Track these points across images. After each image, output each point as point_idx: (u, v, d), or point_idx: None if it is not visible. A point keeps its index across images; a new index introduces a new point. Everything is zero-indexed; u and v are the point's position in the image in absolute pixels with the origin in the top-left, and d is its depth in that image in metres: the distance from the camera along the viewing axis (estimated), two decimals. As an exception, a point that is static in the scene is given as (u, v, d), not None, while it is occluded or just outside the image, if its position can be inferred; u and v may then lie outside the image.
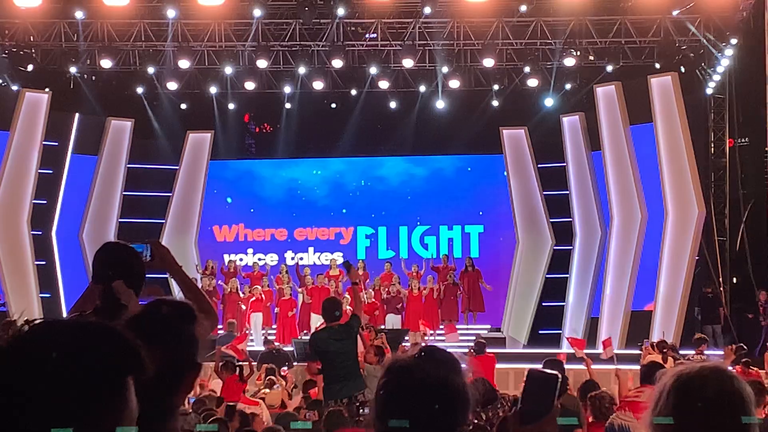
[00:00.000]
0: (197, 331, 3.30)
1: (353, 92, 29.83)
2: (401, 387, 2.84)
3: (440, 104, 29.88)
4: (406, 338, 24.23)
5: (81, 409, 2.05)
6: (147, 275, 5.18)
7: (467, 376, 2.96)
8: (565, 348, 22.36)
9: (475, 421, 9.77)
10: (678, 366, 2.94)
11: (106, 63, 27.19)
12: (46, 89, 28.42)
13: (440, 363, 2.89)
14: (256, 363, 19.77)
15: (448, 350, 2.99)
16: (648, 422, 2.88)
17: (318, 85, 28.58)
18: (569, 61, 27.05)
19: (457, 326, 27.72)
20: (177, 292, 5.66)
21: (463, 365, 2.99)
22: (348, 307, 17.72)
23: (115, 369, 2.11)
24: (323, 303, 12.85)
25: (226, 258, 29.61)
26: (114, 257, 5.14)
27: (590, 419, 11.26)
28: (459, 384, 2.87)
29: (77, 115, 29.25)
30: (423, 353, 2.92)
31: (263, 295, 27.35)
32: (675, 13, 25.91)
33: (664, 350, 20.04)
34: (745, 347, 20.14)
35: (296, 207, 31.65)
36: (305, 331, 25.66)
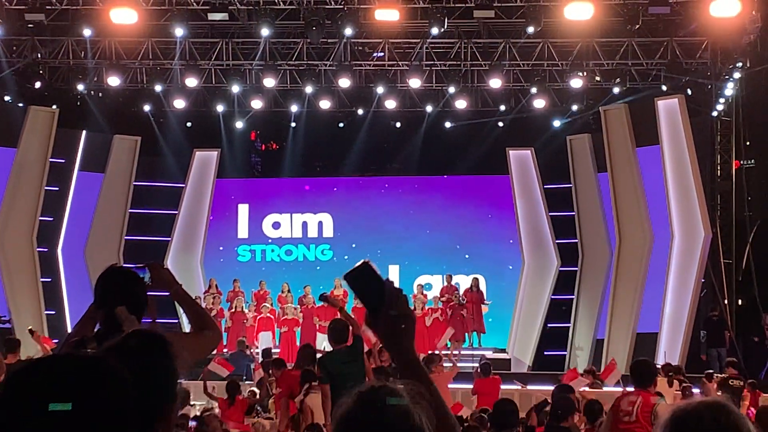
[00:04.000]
0: (173, 361, 3.22)
1: (360, 111, 29.86)
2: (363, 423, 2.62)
3: (447, 124, 29.93)
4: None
5: None
6: (150, 293, 5.17)
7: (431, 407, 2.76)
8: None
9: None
10: (676, 402, 2.93)
11: (113, 81, 27.24)
12: (54, 106, 28.49)
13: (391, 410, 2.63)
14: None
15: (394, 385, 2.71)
16: None
17: (325, 104, 28.63)
18: (576, 83, 27.04)
19: (462, 347, 27.63)
20: (182, 313, 5.65)
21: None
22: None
23: (119, 408, 2.10)
24: (329, 325, 12.81)
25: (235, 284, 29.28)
26: (116, 282, 5.14)
27: None
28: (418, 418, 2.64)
29: (84, 132, 29.31)
30: (363, 401, 2.66)
31: (270, 315, 27.33)
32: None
33: (670, 373, 19.98)
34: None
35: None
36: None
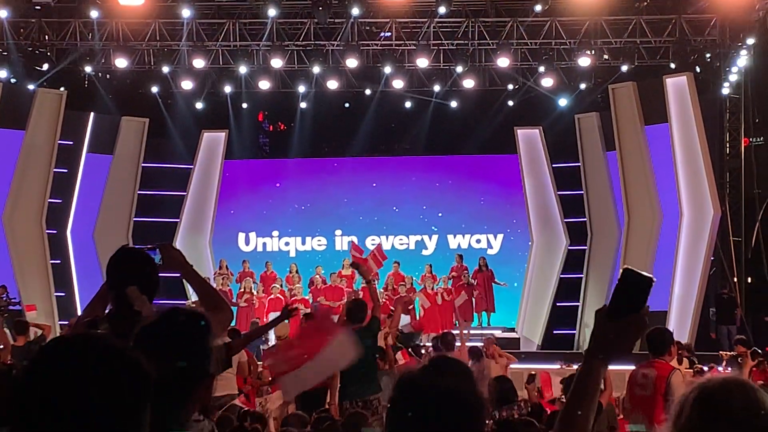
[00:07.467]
0: (212, 341, 3.27)
1: (367, 92, 29.84)
2: (413, 402, 2.83)
3: (454, 104, 29.89)
4: (421, 340, 24.06)
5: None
6: (161, 275, 5.19)
7: (479, 383, 2.94)
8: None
9: (489, 421, 9.75)
10: (699, 378, 2.93)
11: (121, 62, 27.25)
12: (62, 88, 28.47)
13: (451, 374, 2.88)
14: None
15: (457, 359, 2.99)
16: None
17: (332, 84, 28.58)
18: (584, 61, 26.96)
19: (472, 326, 27.62)
20: (191, 293, 5.67)
21: (474, 369, 2.99)
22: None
23: (136, 397, 2.12)
24: (347, 305, 12.69)
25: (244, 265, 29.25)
26: (128, 263, 5.15)
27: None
28: (471, 394, 2.85)
29: (92, 114, 29.29)
30: (431, 365, 2.90)
31: (280, 295, 27.28)
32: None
33: (679, 351, 19.91)
34: (759, 351, 19.89)
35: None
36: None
